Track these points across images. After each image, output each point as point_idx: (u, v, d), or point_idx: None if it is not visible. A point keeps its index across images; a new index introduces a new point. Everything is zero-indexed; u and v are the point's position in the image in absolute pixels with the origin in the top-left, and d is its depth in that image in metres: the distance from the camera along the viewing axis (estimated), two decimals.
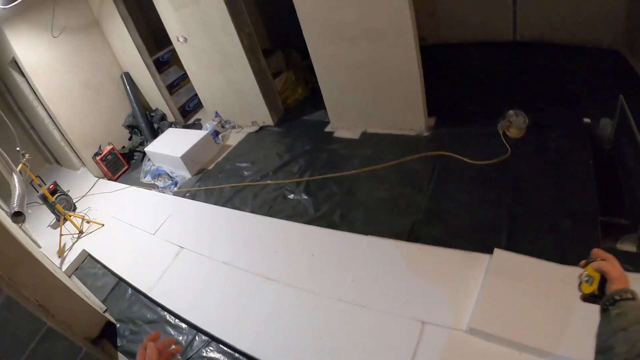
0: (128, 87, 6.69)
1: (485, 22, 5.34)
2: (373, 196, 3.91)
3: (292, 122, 5.68)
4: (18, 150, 4.63)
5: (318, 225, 3.82)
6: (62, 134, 6.42)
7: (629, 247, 2.75)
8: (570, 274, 1.72)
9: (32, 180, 5.04)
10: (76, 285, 4.51)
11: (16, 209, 4.00)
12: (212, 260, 3.97)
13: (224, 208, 4.59)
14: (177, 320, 3.72)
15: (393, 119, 4.46)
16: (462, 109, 4.32)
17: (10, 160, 4.31)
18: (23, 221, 4.00)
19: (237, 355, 3.23)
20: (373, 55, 4.07)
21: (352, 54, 4.20)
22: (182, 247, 4.28)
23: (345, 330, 2.92)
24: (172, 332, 3.63)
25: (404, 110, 4.30)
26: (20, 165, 4.58)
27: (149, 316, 3.89)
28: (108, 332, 3.90)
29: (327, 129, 5.14)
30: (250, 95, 5.49)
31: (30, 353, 2.91)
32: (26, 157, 4.68)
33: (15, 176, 4.21)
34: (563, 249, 2.77)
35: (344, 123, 4.96)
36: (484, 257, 2.87)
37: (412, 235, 3.34)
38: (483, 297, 2.61)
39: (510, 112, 3.75)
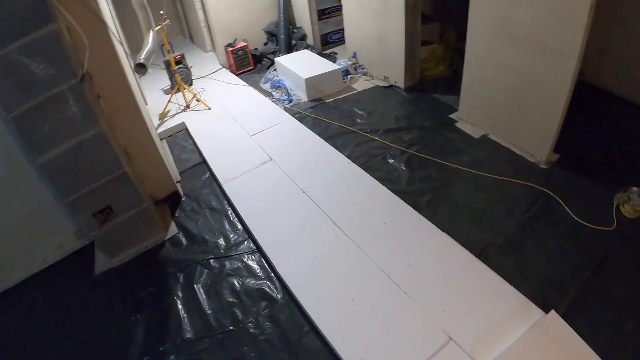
0: None
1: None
2: (465, 198, 3.69)
3: (422, 93, 5.43)
4: (161, 14, 4.82)
5: (404, 199, 3.65)
6: (205, 16, 6.60)
7: None
8: None
9: (164, 44, 5.26)
10: (163, 149, 4.71)
11: (141, 61, 4.18)
12: (293, 183, 3.93)
13: (325, 142, 4.50)
14: (236, 218, 3.77)
15: (519, 136, 4.12)
16: (590, 161, 3.90)
17: (152, 19, 4.49)
18: (143, 74, 4.17)
19: (272, 275, 3.23)
20: (528, 63, 3.69)
21: (509, 54, 3.83)
22: (271, 159, 4.28)
23: (378, 304, 2.83)
24: (227, 227, 3.70)
25: (533, 132, 3.92)
26: (159, 27, 4.76)
27: (213, 204, 3.97)
28: (173, 200, 4.04)
29: (452, 115, 4.86)
30: (394, 51, 5.26)
31: (101, 184, 3.07)
32: (166, 21, 4.86)
33: (151, 33, 4.39)
34: (615, 351, 2.46)
35: (470, 117, 4.67)
36: (537, 313, 2.62)
37: (482, 253, 3.12)
38: (515, 347, 2.43)
39: (635, 188, 3.33)
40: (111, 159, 3.03)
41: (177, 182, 4.20)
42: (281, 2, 6.68)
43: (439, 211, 3.58)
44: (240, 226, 3.70)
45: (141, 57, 4.22)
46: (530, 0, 3.46)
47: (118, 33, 3.70)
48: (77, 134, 2.75)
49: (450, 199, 3.71)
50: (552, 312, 2.58)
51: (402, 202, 3.62)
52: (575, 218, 3.33)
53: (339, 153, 4.31)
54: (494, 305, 2.72)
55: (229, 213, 3.86)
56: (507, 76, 3.96)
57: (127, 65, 3.69)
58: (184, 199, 4.10)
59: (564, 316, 2.58)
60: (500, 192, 3.69)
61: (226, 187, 4.01)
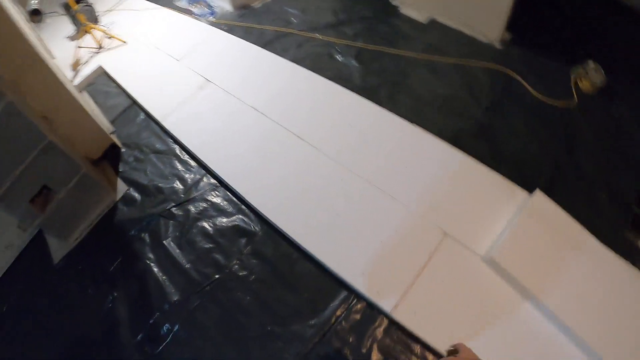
0: None
1: None
2: (427, 87, 3.48)
3: None
4: None
5: (362, 95, 3.37)
6: None
7: None
8: (598, 250, 2.28)
9: None
10: (85, 101, 4.14)
11: (34, 6, 3.46)
12: (240, 102, 3.52)
13: (263, 50, 4.02)
14: (186, 156, 3.40)
15: (469, 16, 3.84)
16: (543, 38, 3.76)
17: None
18: (40, 21, 3.52)
19: (243, 207, 2.96)
20: None
21: None
22: (209, 81, 3.81)
23: (365, 214, 2.66)
24: (180, 167, 3.33)
25: (484, 11, 3.69)
26: None
27: (157, 146, 3.56)
28: (111, 154, 3.59)
29: (394, 1, 4.49)
30: None
31: (28, 165, 2.66)
32: None
33: None
34: (592, 221, 2.53)
35: (413, 1, 4.31)
36: (521, 193, 2.63)
37: (456, 142, 2.98)
38: (511, 232, 2.41)
39: (591, 63, 3.30)
40: (30, 131, 2.59)
41: (110, 133, 3.71)
42: None
43: (402, 103, 3.38)
44: (193, 163, 3.36)
45: (33, 2, 3.48)
46: None
47: None
48: None
49: (411, 89, 3.50)
50: (538, 191, 2.54)
51: (362, 98, 3.35)
52: (537, 96, 3.27)
53: (281, 58, 3.89)
54: (478, 192, 2.67)
55: (177, 151, 3.48)
56: None
57: (19, 17, 3.09)
58: (123, 150, 3.65)
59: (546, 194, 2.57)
60: (460, 76, 3.54)
61: (166, 124, 3.57)
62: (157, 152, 3.52)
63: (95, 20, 5.22)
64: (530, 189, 2.63)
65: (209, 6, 4.96)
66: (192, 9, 5.04)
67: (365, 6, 4.46)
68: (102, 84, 4.46)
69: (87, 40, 4.89)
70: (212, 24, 4.71)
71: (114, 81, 4.37)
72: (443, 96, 3.39)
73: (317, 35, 4.12)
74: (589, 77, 3.28)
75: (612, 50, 3.60)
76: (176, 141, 3.50)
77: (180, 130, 3.48)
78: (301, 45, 4.09)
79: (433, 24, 4.09)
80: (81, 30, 4.84)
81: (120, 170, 3.49)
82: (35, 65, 2.88)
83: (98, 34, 4.88)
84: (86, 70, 4.58)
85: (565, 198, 2.59)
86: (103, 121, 3.87)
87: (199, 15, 4.91)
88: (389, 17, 4.26)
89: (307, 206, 2.77)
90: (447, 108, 3.30)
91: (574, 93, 3.27)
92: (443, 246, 2.46)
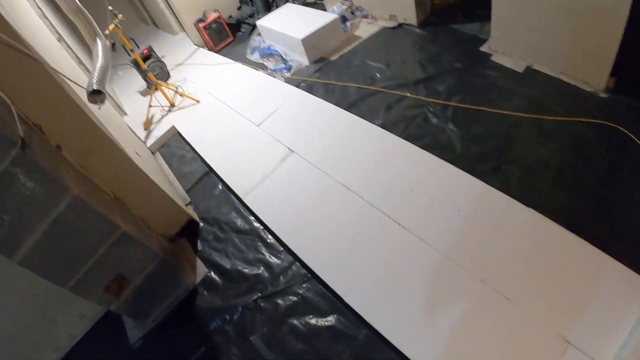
0: None
1: None
2: (535, 153, 3.03)
3: (439, 27, 4.57)
4: (110, 10, 3.89)
5: (465, 168, 2.95)
6: None
7: None
8: None
9: (124, 44, 4.34)
10: (159, 167, 3.95)
11: (95, 87, 3.27)
12: (328, 177, 3.18)
13: (348, 114, 3.69)
14: (271, 237, 3.07)
15: (571, 63, 3.42)
16: None
17: (94, 23, 3.49)
18: (102, 101, 3.36)
19: (340, 306, 2.59)
20: None
21: None
22: (292, 151, 3.49)
23: (476, 319, 2.26)
24: (265, 252, 3.02)
25: (587, 56, 3.26)
26: (112, 26, 3.84)
27: (239, 224, 3.27)
28: (189, 230, 3.33)
29: (484, 48, 4.06)
30: None
31: (101, 256, 2.41)
32: (119, 17, 3.94)
33: (99, 43, 3.40)
34: None
35: (507, 48, 3.86)
36: None
37: (573, 224, 2.52)
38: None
39: None
40: (101, 223, 2.33)
41: (187, 204, 3.47)
42: None
43: (511, 177, 2.94)
44: (280, 247, 3.01)
45: (93, 82, 3.28)
46: None
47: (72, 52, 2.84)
48: (46, 212, 2.05)
49: (519, 157, 3.05)
50: None
51: (468, 175, 2.92)
52: None
53: (370, 124, 3.53)
54: (599, 286, 2.25)
55: (262, 232, 3.15)
56: None
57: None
58: (202, 224, 3.39)
59: None
60: (569, 136, 3.09)
61: (249, 201, 3.27)
62: (238, 231, 3.22)
63: (167, 75, 5.12)
64: None
65: (284, 60, 4.71)
66: (265, 63, 4.82)
67: (453, 55, 4.08)
68: (176, 146, 4.28)
69: (159, 96, 4.76)
70: (289, 80, 4.46)
71: (188, 144, 4.17)
72: (554, 165, 2.95)
73: (407, 94, 3.76)
74: None
75: None
76: (259, 220, 3.19)
77: (264, 209, 3.17)
78: (391, 107, 3.73)
79: (529, 72, 3.68)
80: (152, 88, 4.72)
81: (199, 248, 3.23)
82: (104, 144, 2.69)
83: (169, 91, 4.74)
84: (159, 131, 4.43)
85: None
86: (179, 191, 3.65)
87: (274, 70, 4.67)
88: (481, 68, 3.87)
89: (415, 309, 2.36)
90: (560, 180, 2.87)
91: None
92: (567, 357, 2.02)
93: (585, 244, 2.38)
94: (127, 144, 3.16)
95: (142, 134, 4.41)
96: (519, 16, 3.56)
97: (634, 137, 2.96)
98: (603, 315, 2.12)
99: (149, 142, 4.30)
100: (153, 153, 4.24)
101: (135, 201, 2.89)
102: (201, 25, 5.37)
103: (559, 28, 3.35)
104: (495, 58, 3.92)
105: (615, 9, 2.91)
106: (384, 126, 3.51)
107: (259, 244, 3.09)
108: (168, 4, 5.65)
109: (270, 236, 3.10)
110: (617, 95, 3.29)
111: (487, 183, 2.83)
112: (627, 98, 3.23)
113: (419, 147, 3.21)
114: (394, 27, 4.72)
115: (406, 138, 3.33)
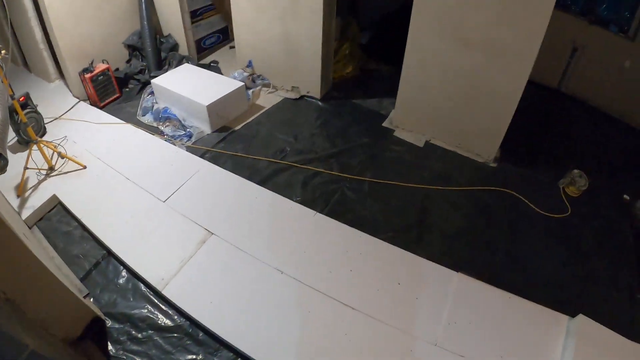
0: (143, 0, 5.32)
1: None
2: (449, 221, 3.45)
3: (340, 101, 4.76)
4: None
5: (392, 241, 3.16)
6: (46, 34, 4.94)
7: None
8: None
9: (4, 88, 3.65)
10: (43, 248, 3.33)
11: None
12: (261, 263, 3.00)
13: (264, 190, 3.57)
14: (205, 336, 2.72)
15: (466, 139, 4.03)
16: (525, 149, 4.22)
17: None
18: (3, 168, 2.79)
19: None
20: (481, 68, 3.54)
21: (458, 58, 3.61)
22: (210, 232, 3.23)
23: None
24: (199, 352, 2.65)
25: (482, 134, 3.91)
26: None
27: (159, 320, 2.83)
28: (93, 330, 2.75)
29: (386, 124, 4.39)
30: (306, 56, 4.47)
31: None
32: (2, 53, 3.38)
33: None
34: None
35: (408, 124, 4.30)
36: (563, 318, 2.68)
37: (493, 277, 2.97)
38: None
39: (576, 172, 3.75)
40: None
41: (84, 296, 2.93)
42: (143, 6, 5.25)
43: (433, 245, 3.27)
44: (216, 344, 2.68)
45: None
46: (489, 3, 3.25)
47: None
48: None
49: (436, 226, 3.43)
50: (581, 317, 2.58)
51: (397, 249, 3.11)
52: (541, 212, 3.56)
53: (290, 201, 3.47)
54: (528, 329, 2.66)
55: (189, 329, 2.77)
56: (455, 80, 3.76)
57: None
58: (109, 323, 2.86)
59: (581, 310, 2.65)
60: (473, 203, 3.65)
61: (169, 294, 2.88)
62: (160, 329, 2.78)
63: (42, 130, 4.45)
64: (567, 311, 2.73)
65: (182, 126, 4.43)
66: (162, 128, 4.46)
67: (360, 131, 4.36)
68: (59, 220, 3.64)
69: (35, 155, 4.03)
70: (190, 149, 4.18)
71: (75, 218, 3.59)
72: (467, 229, 3.40)
73: (322, 170, 3.84)
74: (576, 183, 3.69)
75: (590, 154, 4.20)
76: (183, 315, 2.82)
77: (188, 302, 2.82)
78: (307, 183, 3.74)
79: (429, 146, 4.17)
80: (31, 145, 3.99)
81: (112, 353, 2.69)
82: None
83: (48, 150, 4.08)
84: (36, 200, 3.76)
85: (595, 310, 2.71)
86: (72, 279, 3.09)
87: (172, 137, 4.35)
88: (386, 143, 4.24)
89: None
90: (474, 242, 3.30)
91: (566, 202, 3.66)
92: None
93: (511, 295, 2.80)
94: (11, 220, 2.55)
95: (15, 202, 3.71)
96: (422, 97, 4.01)
97: (522, 198, 3.62)
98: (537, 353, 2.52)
99: (25, 214, 3.62)
100: (30, 227, 3.59)
101: (31, 299, 2.29)
102: (87, 75, 4.80)
103: (458, 108, 3.86)
104: (397, 133, 4.28)
105: (512, 92, 3.48)
106: (303, 203, 3.47)
107: (189, 342, 2.71)
108: (50, 46, 5.00)
109: (202, 333, 2.74)
110: (503, 163, 3.97)
111: (415, 253, 3.08)
112: (512, 166, 3.95)
113: (343, 223, 3.26)
114: (296, 99, 4.78)
115: (328, 214, 3.32)
